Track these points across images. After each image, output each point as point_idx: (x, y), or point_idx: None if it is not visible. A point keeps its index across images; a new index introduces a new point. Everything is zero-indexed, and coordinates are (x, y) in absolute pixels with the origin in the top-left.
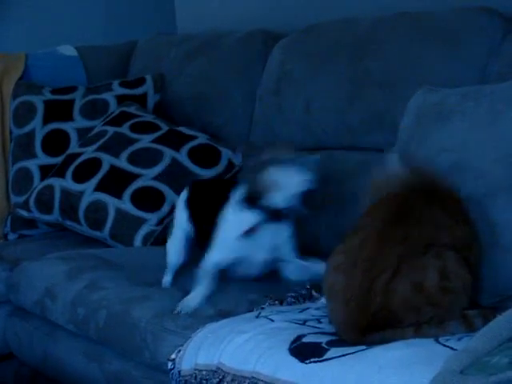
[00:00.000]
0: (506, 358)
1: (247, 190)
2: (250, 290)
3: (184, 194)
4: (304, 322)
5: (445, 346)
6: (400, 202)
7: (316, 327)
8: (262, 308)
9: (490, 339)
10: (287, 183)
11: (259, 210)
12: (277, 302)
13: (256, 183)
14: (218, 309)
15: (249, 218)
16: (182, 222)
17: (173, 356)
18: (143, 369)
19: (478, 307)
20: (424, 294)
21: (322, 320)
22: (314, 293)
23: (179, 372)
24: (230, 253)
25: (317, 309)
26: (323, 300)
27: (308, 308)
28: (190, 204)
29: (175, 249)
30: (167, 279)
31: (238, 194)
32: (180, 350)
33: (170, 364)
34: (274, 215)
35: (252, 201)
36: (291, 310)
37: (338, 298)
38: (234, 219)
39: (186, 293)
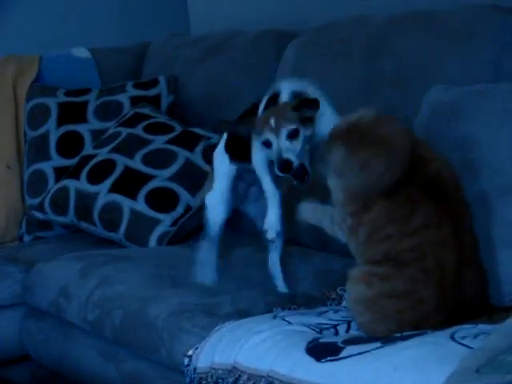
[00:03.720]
0: None
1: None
2: (268, 291)
3: (222, 139)
4: (321, 331)
5: (460, 343)
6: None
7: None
8: (283, 309)
9: (505, 337)
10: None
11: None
12: (294, 306)
13: None
14: (235, 308)
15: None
16: (223, 167)
17: (190, 353)
18: (159, 369)
19: (493, 308)
20: None
21: (339, 328)
22: (333, 295)
23: (194, 369)
24: None
25: (336, 312)
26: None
27: (326, 311)
28: (229, 147)
29: (220, 200)
30: (209, 271)
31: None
32: (197, 347)
33: (186, 360)
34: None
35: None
36: (309, 312)
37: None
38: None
39: (204, 290)
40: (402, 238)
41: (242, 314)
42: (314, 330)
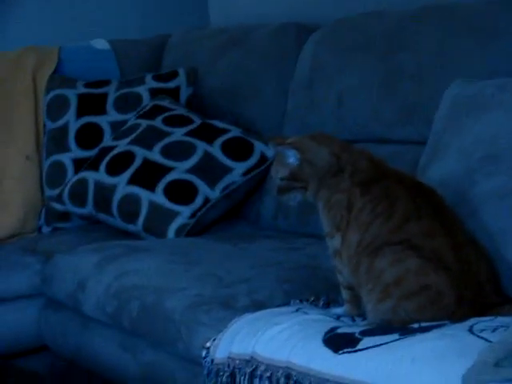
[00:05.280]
0: None
1: None
2: (286, 279)
3: None
4: (338, 317)
5: (479, 337)
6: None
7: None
8: (301, 301)
9: None
10: None
11: None
12: (313, 298)
13: None
14: (252, 299)
15: None
16: None
17: (208, 344)
18: (177, 360)
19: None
20: None
21: (355, 318)
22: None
23: (212, 360)
24: None
25: None
26: None
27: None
28: None
29: None
30: None
31: None
32: (215, 339)
33: (204, 352)
34: None
35: None
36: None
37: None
38: None
39: (220, 279)
40: (389, 233)
41: (259, 304)
42: (331, 317)
